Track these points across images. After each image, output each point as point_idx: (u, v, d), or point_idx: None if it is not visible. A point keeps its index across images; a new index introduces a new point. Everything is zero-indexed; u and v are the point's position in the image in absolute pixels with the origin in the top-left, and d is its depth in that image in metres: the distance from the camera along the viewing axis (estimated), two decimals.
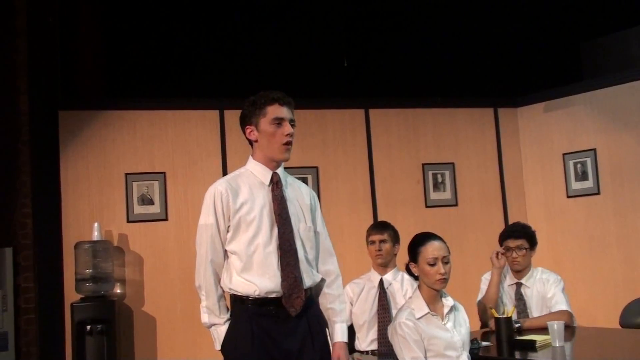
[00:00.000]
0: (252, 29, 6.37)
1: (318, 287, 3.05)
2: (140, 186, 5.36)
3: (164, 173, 5.42)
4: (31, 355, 4.88)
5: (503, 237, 4.27)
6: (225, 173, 5.42)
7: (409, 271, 3.34)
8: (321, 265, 3.07)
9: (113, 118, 5.40)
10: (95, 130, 5.34)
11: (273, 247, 2.89)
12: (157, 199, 5.38)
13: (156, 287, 5.30)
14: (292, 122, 2.97)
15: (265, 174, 2.98)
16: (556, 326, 3.48)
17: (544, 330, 3.68)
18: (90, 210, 5.24)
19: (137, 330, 5.24)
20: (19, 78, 5.02)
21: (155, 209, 5.37)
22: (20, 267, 4.91)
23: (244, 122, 3.02)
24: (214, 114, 5.60)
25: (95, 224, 5.08)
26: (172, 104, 5.54)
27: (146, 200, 5.36)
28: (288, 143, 2.95)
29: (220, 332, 2.91)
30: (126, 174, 5.35)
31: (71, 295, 5.03)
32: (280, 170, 3.02)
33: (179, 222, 5.41)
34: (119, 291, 5.23)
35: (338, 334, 3.03)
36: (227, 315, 2.93)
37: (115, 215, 5.29)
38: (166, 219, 5.39)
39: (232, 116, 5.55)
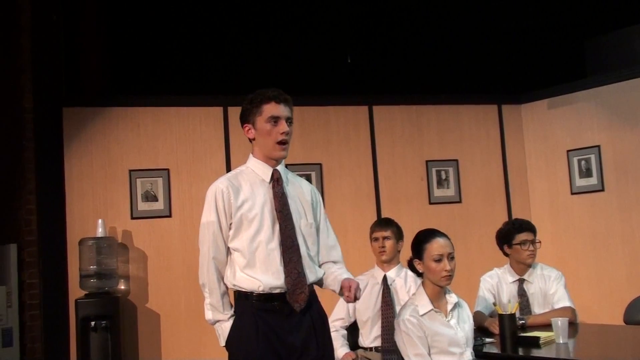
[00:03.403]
0: (255, 26, 6.37)
1: (319, 283, 3.07)
2: (144, 183, 5.37)
3: (167, 170, 5.43)
4: (35, 351, 4.89)
5: (516, 231, 4.22)
6: (229, 169, 5.43)
7: (411, 267, 3.34)
8: (327, 257, 3.10)
9: (117, 115, 5.41)
10: (99, 127, 5.35)
11: (275, 244, 2.91)
12: (161, 195, 5.39)
13: (160, 284, 5.32)
14: (289, 121, 2.98)
15: (265, 171, 2.99)
16: (560, 323, 3.48)
17: (547, 326, 3.68)
18: (94, 207, 5.25)
19: (141, 327, 5.25)
20: (23, 75, 5.02)
21: (159, 205, 5.38)
22: (24, 264, 4.92)
23: (242, 120, 3.05)
24: (218, 111, 5.61)
25: (100, 221, 5.09)
26: (176, 101, 5.55)
27: (150, 197, 5.36)
28: (283, 142, 2.96)
29: (224, 328, 2.92)
30: (130, 171, 5.36)
31: (75, 291, 5.05)
32: (280, 167, 3.03)
33: (182, 218, 5.41)
34: (123, 287, 5.25)
35: (344, 274, 3.00)
36: (231, 312, 2.95)
37: (119, 212, 5.30)
38: (170, 216, 5.39)
39: (236, 113, 5.45)
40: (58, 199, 5.17)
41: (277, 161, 3.02)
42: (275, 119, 2.94)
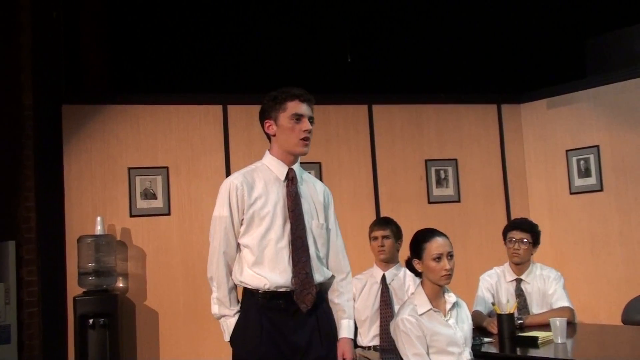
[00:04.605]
0: (255, 25, 6.36)
1: (328, 283, 3.08)
2: (143, 181, 5.36)
3: (166, 168, 5.43)
4: (33, 349, 4.89)
5: (509, 229, 4.27)
6: (228, 168, 5.43)
7: (410, 267, 3.34)
8: (333, 263, 3.09)
9: (116, 112, 5.40)
10: (99, 125, 5.34)
11: (285, 243, 2.91)
12: (160, 193, 5.38)
13: (158, 282, 5.31)
14: (311, 120, 3.00)
15: (281, 170, 3.00)
16: (558, 323, 3.48)
17: (546, 326, 3.68)
18: (93, 205, 5.24)
19: (139, 324, 5.25)
20: (23, 72, 5.03)
21: (158, 203, 5.38)
22: (23, 261, 4.92)
23: (264, 116, 3.04)
24: (217, 109, 5.60)
25: (98, 218, 5.09)
26: (176, 99, 5.55)
27: (149, 195, 5.36)
28: (306, 139, 2.98)
29: (229, 323, 2.93)
30: (129, 169, 5.35)
31: (74, 288, 5.04)
32: (296, 167, 3.05)
33: (181, 216, 5.41)
34: (121, 285, 5.24)
35: (344, 330, 3.05)
36: (237, 308, 2.95)
37: (118, 210, 5.30)
38: (169, 214, 5.39)
39: (235, 111, 5.56)
40: (57, 197, 5.17)
41: (295, 159, 3.04)
42: (298, 117, 2.96)
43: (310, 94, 3.03)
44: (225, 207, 2.93)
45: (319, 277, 2.96)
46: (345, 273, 3.11)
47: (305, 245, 2.93)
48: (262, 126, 3.05)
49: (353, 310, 3.16)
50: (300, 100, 2.97)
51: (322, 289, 3.04)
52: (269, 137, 3.06)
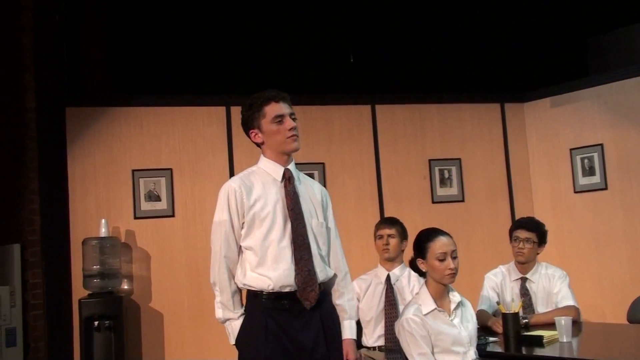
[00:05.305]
0: (258, 25, 6.37)
1: (331, 283, 3.08)
2: (147, 182, 5.37)
3: (170, 169, 5.43)
4: (39, 351, 4.90)
5: (514, 227, 4.28)
6: (231, 169, 5.43)
7: (414, 267, 3.34)
8: (333, 263, 3.10)
9: (120, 114, 5.41)
10: (102, 127, 5.35)
11: (287, 242, 2.92)
12: (164, 195, 5.39)
13: (163, 283, 5.32)
14: (292, 116, 3.02)
15: (277, 171, 3.02)
16: (563, 322, 3.48)
17: (551, 325, 3.68)
18: (98, 207, 5.25)
19: (145, 326, 5.26)
20: (26, 75, 5.02)
21: (162, 205, 5.38)
22: (28, 263, 4.92)
23: (247, 127, 3.08)
24: (221, 110, 5.61)
25: (103, 221, 5.10)
26: (179, 101, 5.55)
27: (153, 197, 5.37)
28: (293, 135, 2.99)
29: (234, 326, 2.94)
30: (133, 171, 5.36)
31: (79, 291, 5.05)
32: (292, 167, 3.05)
33: (185, 218, 5.41)
34: (126, 287, 5.25)
35: (346, 330, 3.06)
36: (241, 310, 2.96)
37: (123, 212, 5.31)
38: (173, 215, 5.40)
39: (239, 112, 5.46)
40: (61, 199, 5.17)
41: (289, 158, 3.05)
42: (279, 118, 2.98)
43: (283, 92, 3.04)
44: (224, 211, 2.95)
45: (321, 275, 2.96)
46: (344, 273, 3.12)
47: (306, 243, 2.94)
48: (248, 136, 3.08)
49: (356, 310, 3.17)
50: (276, 101, 3.00)
51: (326, 289, 3.04)
52: (258, 145, 3.08)
